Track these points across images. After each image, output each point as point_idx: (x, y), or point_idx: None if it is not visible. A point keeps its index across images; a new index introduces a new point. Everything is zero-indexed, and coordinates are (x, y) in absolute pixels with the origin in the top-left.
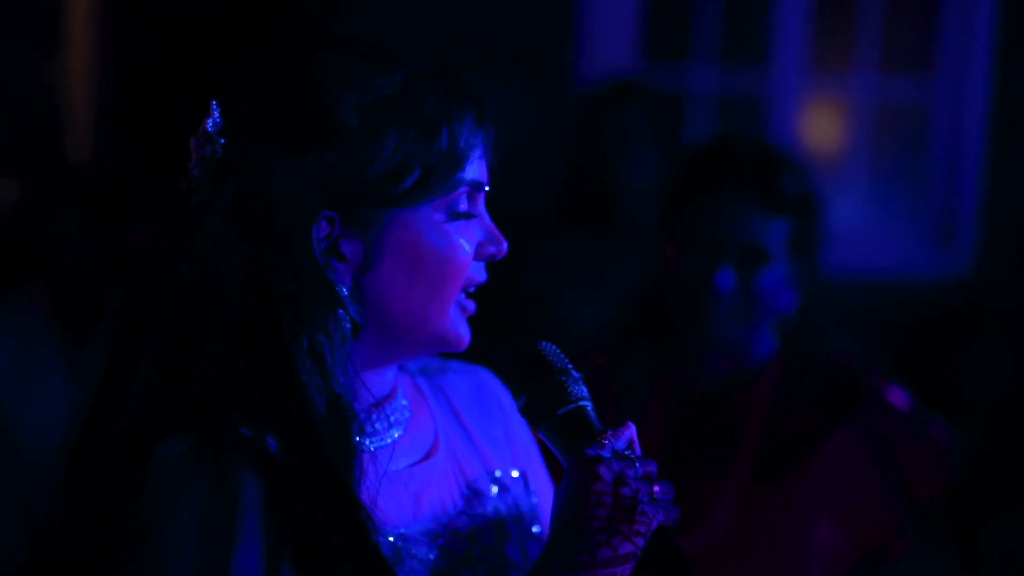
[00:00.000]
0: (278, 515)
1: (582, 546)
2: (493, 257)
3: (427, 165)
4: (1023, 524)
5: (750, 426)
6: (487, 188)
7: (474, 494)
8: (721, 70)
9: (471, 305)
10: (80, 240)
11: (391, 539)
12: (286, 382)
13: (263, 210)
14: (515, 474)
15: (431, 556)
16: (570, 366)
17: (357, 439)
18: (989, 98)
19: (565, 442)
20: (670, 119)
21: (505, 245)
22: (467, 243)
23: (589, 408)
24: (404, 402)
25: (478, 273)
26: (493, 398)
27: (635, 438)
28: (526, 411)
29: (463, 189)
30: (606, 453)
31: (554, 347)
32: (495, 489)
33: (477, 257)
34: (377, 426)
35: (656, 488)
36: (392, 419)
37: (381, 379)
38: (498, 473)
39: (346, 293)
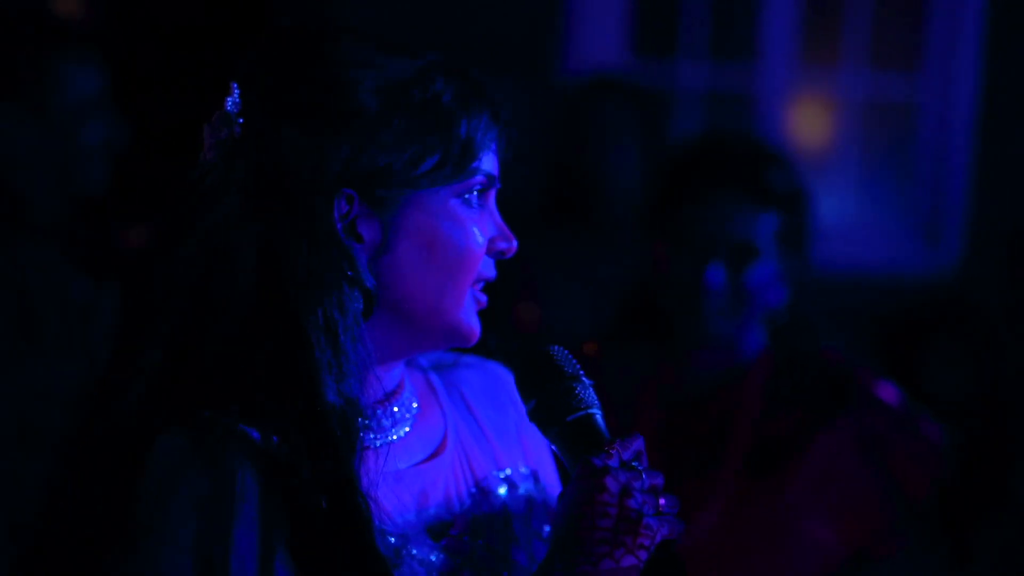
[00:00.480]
0: (275, 509)
1: (584, 556)
2: (503, 254)
3: (445, 150)
4: (1011, 521)
5: (740, 423)
6: (499, 186)
7: (482, 493)
8: (709, 66)
9: (484, 299)
10: None
11: (391, 539)
12: (299, 359)
13: (281, 185)
14: (525, 471)
15: (432, 557)
16: (581, 372)
17: (363, 433)
18: (977, 96)
19: (573, 449)
20: (654, 114)
21: (515, 243)
22: (480, 234)
23: (598, 416)
24: (412, 398)
25: (488, 268)
26: (506, 394)
27: (643, 449)
28: (535, 415)
29: (479, 178)
30: (613, 463)
31: (565, 351)
32: (504, 488)
33: (488, 252)
34: (383, 422)
35: (662, 501)
36: (398, 415)
37: (389, 373)
38: (508, 471)
39: (364, 273)
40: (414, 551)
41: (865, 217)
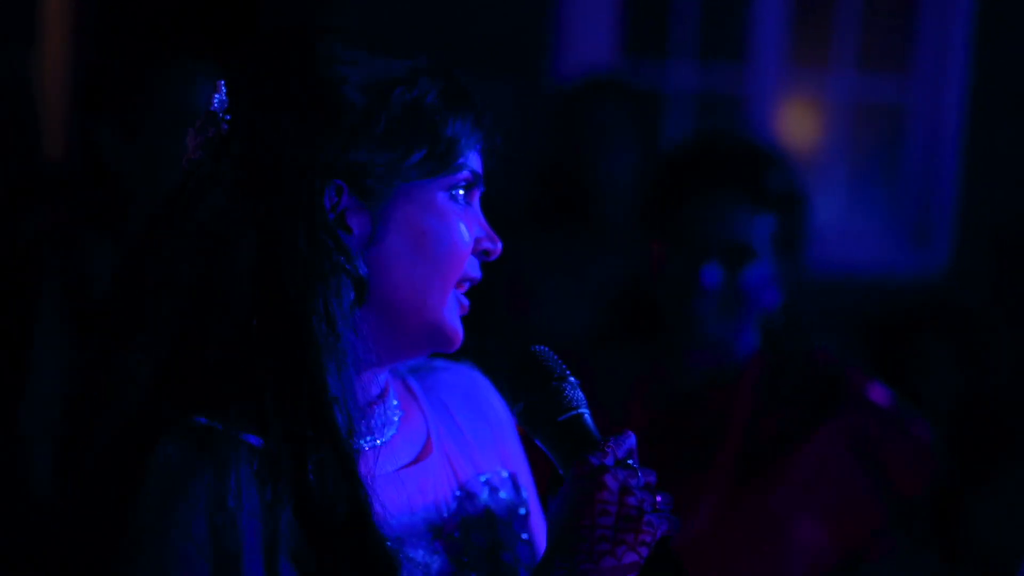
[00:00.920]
0: (277, 516)
1: (585, 555)
2: (488, 255)
3: (430, 147)
4: (1002, 520)
5: (732, 424)
6: (483, 189)
7: (467, 496)
8: (699, 67)
9: (467, 302)
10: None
11: (388, 542)
12: (301, 349)
13: (270, 177)
14: (505, 475)
15: (429, 559)
16: (567, 371)
17: (356, 437)
18: (966, 98)
19: (565, 449)
20: (649, 115)
21: (500, 245)
22: (467, 231)
23: (587, 415)
24: (395, 402)
25: (474, 268)
26: (483, 397)
27: (635, 448)
28: (524, 417)
29: (465, 174)
30: (609, 462)
31: (550, 351)
32: (486, 492)
33: (474, 251)
34: (372, 424)
35: (658, 498)
36: (386, 419)
37: (376, 378)
38: (488, 474)
39: (355, 262)
40: (411, 553)
41: (854, 218)
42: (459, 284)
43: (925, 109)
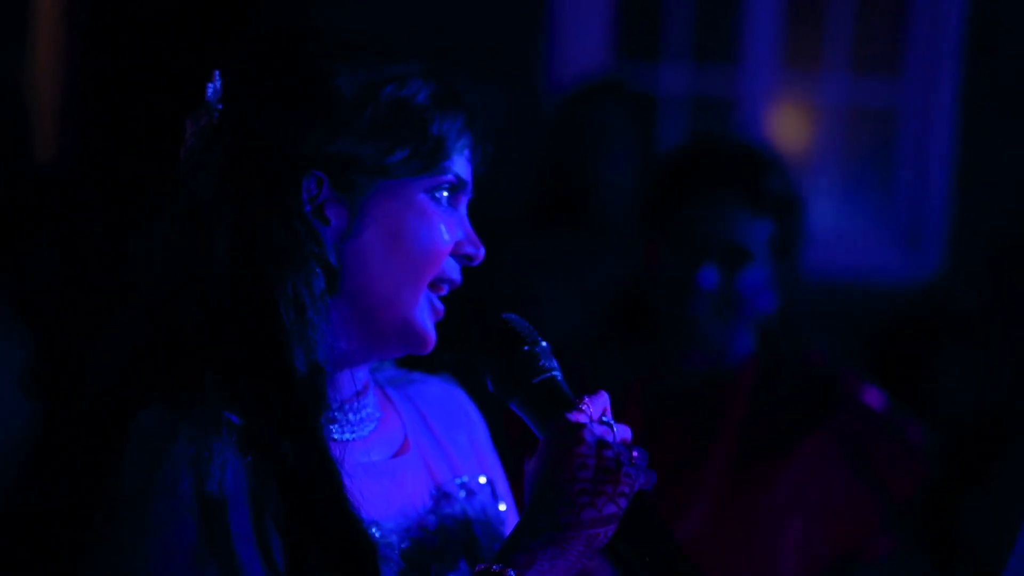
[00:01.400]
0: (258, 481)
1: (566, 507)
2: (470, 260)
3: (416, 146)
4: (996, 525)
5: (726, 425)
6: (471, 195)
7: (443, 495)
8: (692, 70)
9: (441, 307)
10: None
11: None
12: (270, 329)
13: (254, 164)
14: (482, 480)
15: (403, 547)
16: (538, 336)
17: (333, 426)
18: (958, 101)
19: (541, 411)
20: (647, 118)
21: (483, 251)
22: (446, 232)
23: (560, 377)
24: (374, 400)
25: (453, 271)
26: (460, 408)
27: (608, 406)
28: (500, 383)
29: (449, 177)
30: (584, 419)
31: (520, 318)
32: (463, 493)
33: (454, 254)
34: (351, 416)
35: (635, 453)
36: (365, 413)
37: (355, 374)
38: (465, 478)
39: (328, 253)
40: (384, 540)
41: (846, 222)
42: (436, 286)
43: (917, 112)
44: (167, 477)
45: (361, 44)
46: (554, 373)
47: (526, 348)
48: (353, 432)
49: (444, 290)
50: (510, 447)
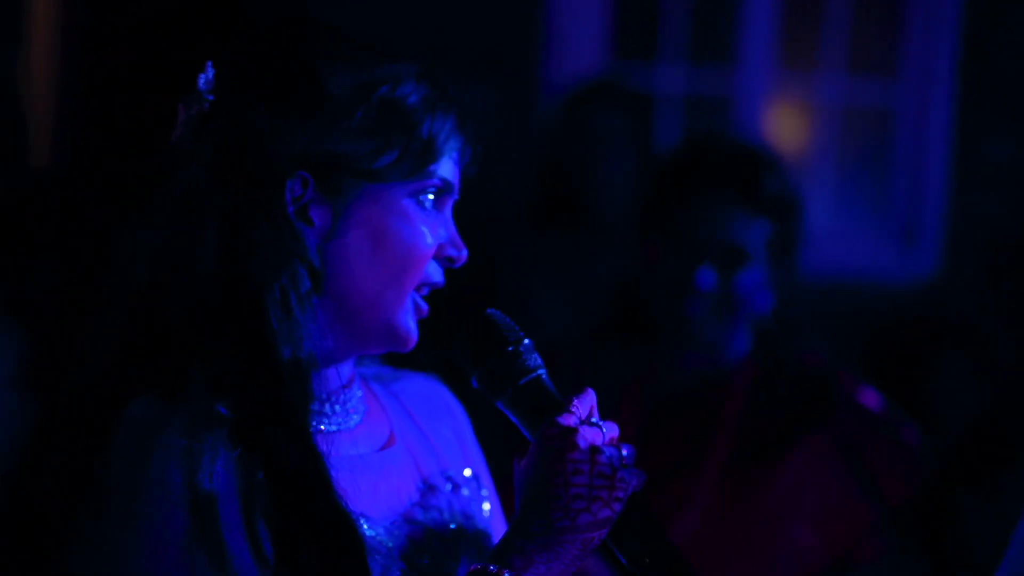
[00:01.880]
0: (247, 473)
1: (561, 512)
2: (452, 262)
3: (404, 148)
4: (992, 529)
5: (723, 426)
6: (457, 197)
7: (429, 488)
8: (688, 70)
9: (425, 307)
10: None
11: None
12: (256, 324)
13: (242, 160)
14: (468, 473)
15: (390, 540)
16: (522, 334)
17: (319, 418)
18: (953, 101)
19: (528, 411)
20: (646, 118)
21: (465, 253)
22: (429, 235)
23: (546, 376)
24: (359, 394)
25: (435, 273)
26: (444, 404)
27: (595, 404)
28: (485, 382)
29: (435, 181)
30: (575, 421)
31: (503, 315)
32: (449, 486)
33: (436, 256)
34: (337, 408)
35: (624, 452)
36: (350, 406)
37: (341, 367)
38: (451, 472)
39: (312, 254)
40: (372, 532)
41: (842, 222)
42: (418, 288)
43: (913, 112)
44: (157, 468)
45: (356, 43)
46: (539, 372)
47: (510, 348)
48: (339, 424)
49: (425, 291)
50: (495, 443)
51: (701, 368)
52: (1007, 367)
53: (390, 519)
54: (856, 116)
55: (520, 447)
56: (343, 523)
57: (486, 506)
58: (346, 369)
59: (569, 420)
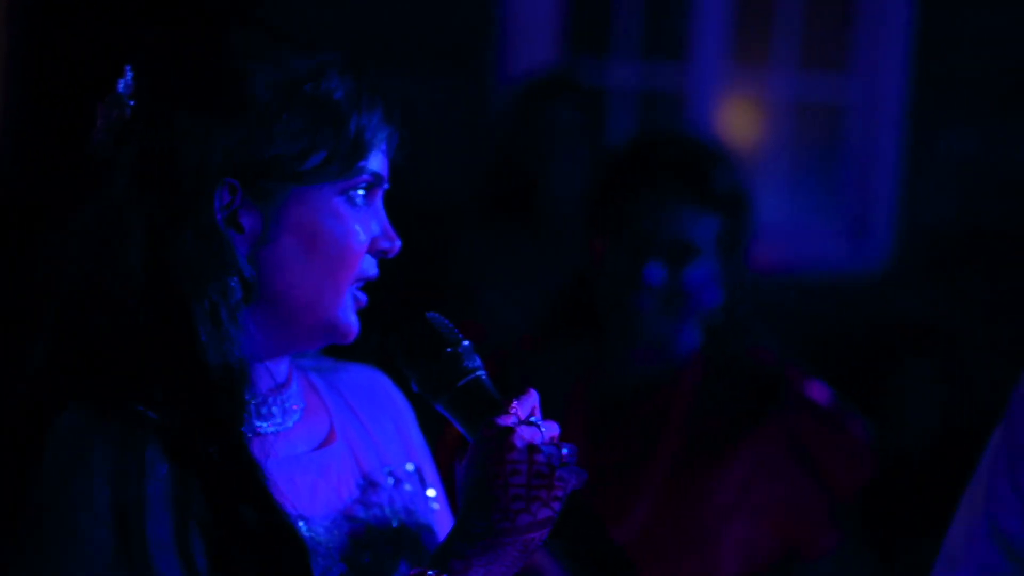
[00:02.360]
0: (181, 484)
1: (500, 514)
2: (386, 253)
3: (332, 147)
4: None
5: (672, 421)
6: (387, 186)
7: (370, 484)
8: (641, 66)
9: (364, 297)
10: None
11: (288, 518)
12: (184, 335)
13: (167, 170)
14: (409, 467)
15: (330, 539)
16: (460, 336)
17: (255, 420)
18: (905, 96)
19: (468, 413)
20: (598, 114)
21: (399, 243)
22: (362, 231)
23: (485, 377)
24: (299, 392)
25: (370, 267)
26: (386, 396)
27: (537, 405)
28: (424, 385)
29: (365, 177)
30: (513, 421)
31: (443, 318)
32: (391, 481)
33: (370, 250)
34: (273, 409)
35: (564, 451)
36: (287, 406)
37: (277, 366)
38: (393, 467)
39: (242, 263)
40: (310, 533)
41: (795, 216)
42: (355, 282)
43: (864, 107)
44: (83, 484)
45: (278, 38)
46: (479, 373)
47: (449, 350)
48: (276, 426)
49: (361, 284)
50: (440, 437)
51: (650, 364)
52: (973, 371)
53: (330, 518)
54: (808, 111)
55: (461, 449)
56: (281, 529)
57: (431, 494)
58: (282, 369)
59: (507, 420)
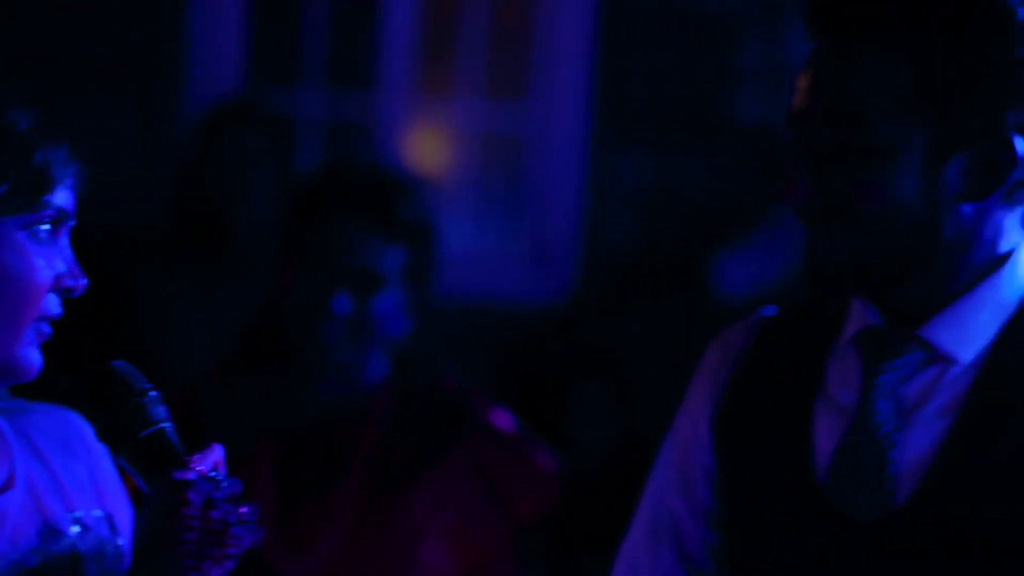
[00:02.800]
0: None
1: (170, 571)
2: (70, 292)
3: (15, 180)
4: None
5: (360, 450)
6: (73, 222)
7: (51, 532)
8: (328, 94)
9: (47, 329)
10: None
11: None
12: None
13: None
14: (99, 514)
15: None
16: (148, 386)
17: None
18: (585, 125)
19: (148, 465)
20: (286, 143)
21: (84, 281)
22: (46, 268)
23: (170, 429)
24: None
25: (53, 306)
26: (79, 439)
27: (221, 460)
28: (105, 435)
29: (50, 212)
30: (192, 476)
31: (130, 367)
32: (76, 528)
33: (54, 288)
34: None
35: (243, 509)
36: None
37: None
38: (80, 513)
39: None
40: None
41: (481, 246)
42: (37, 320)
43: (545, 136)
44: None
45: None
46: (163, 425)
47: (134, 399)
48: None
49: (45, 323)
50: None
51: (338, 393)
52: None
53: (2, 568)
54: (493, 140)
55: (138, 502)
56: None
57: (121, 542)
58: None
59: (186, 475)
